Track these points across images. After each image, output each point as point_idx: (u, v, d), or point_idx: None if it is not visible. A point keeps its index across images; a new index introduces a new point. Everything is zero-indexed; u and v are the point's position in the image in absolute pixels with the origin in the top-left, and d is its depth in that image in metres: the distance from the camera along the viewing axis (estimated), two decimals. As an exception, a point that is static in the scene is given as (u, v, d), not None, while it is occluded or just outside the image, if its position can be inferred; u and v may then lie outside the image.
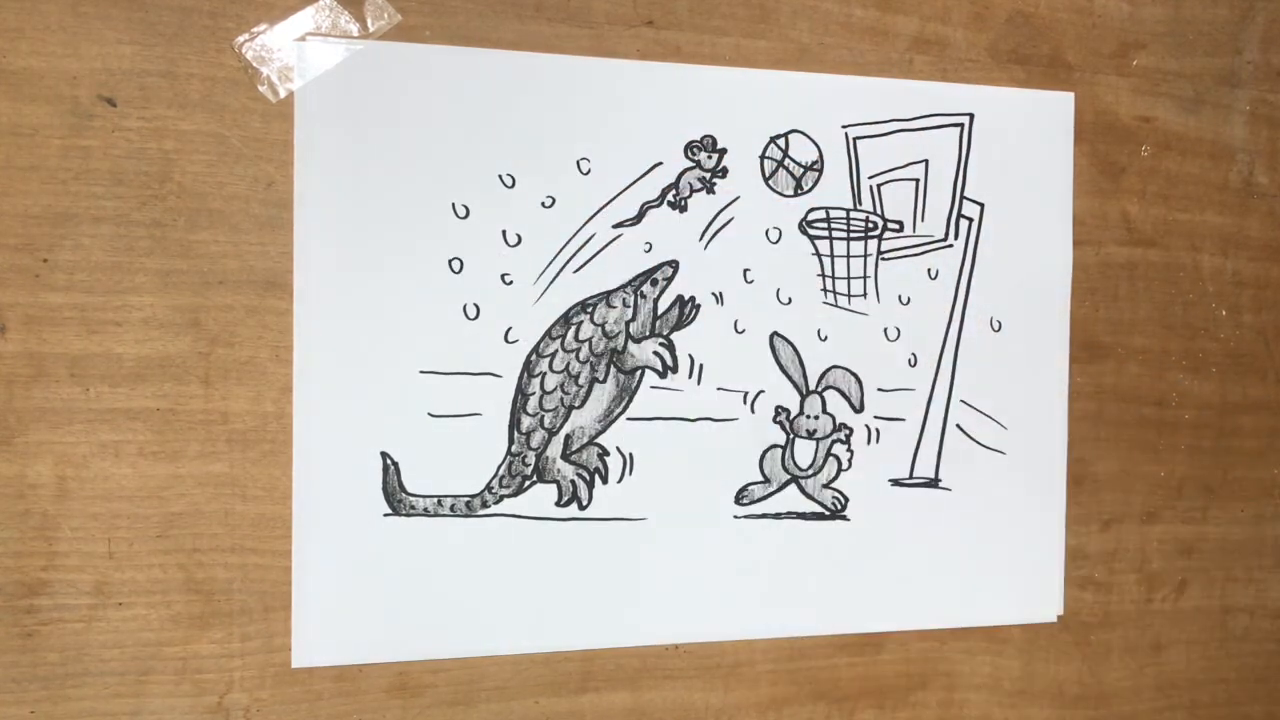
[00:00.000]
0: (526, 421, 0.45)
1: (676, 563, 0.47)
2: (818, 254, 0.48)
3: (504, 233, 0.45)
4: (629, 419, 0.46)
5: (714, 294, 0.47)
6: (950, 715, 0.50)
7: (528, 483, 0.45)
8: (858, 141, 0.48)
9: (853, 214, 0.48)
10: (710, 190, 0.47)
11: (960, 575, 0.50)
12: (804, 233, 0.48)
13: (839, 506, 0.48)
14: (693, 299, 0.47)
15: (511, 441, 0.45)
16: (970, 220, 0.50)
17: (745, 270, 0.47)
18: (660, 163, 0.46)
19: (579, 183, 0.45)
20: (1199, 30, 0.53)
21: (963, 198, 0.49)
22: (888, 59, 0.48)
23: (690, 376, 0.47)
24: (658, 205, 0.46)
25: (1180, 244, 0.52)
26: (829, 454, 0.48)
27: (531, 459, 0.45)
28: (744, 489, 0.47)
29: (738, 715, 0.48)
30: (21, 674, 0.41)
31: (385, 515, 0.44)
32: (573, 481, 0.46)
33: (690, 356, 0.47)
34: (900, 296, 0.49)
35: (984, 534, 0.50)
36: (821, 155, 0.48)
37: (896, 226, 0.49)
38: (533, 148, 0.45)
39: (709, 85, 0.46)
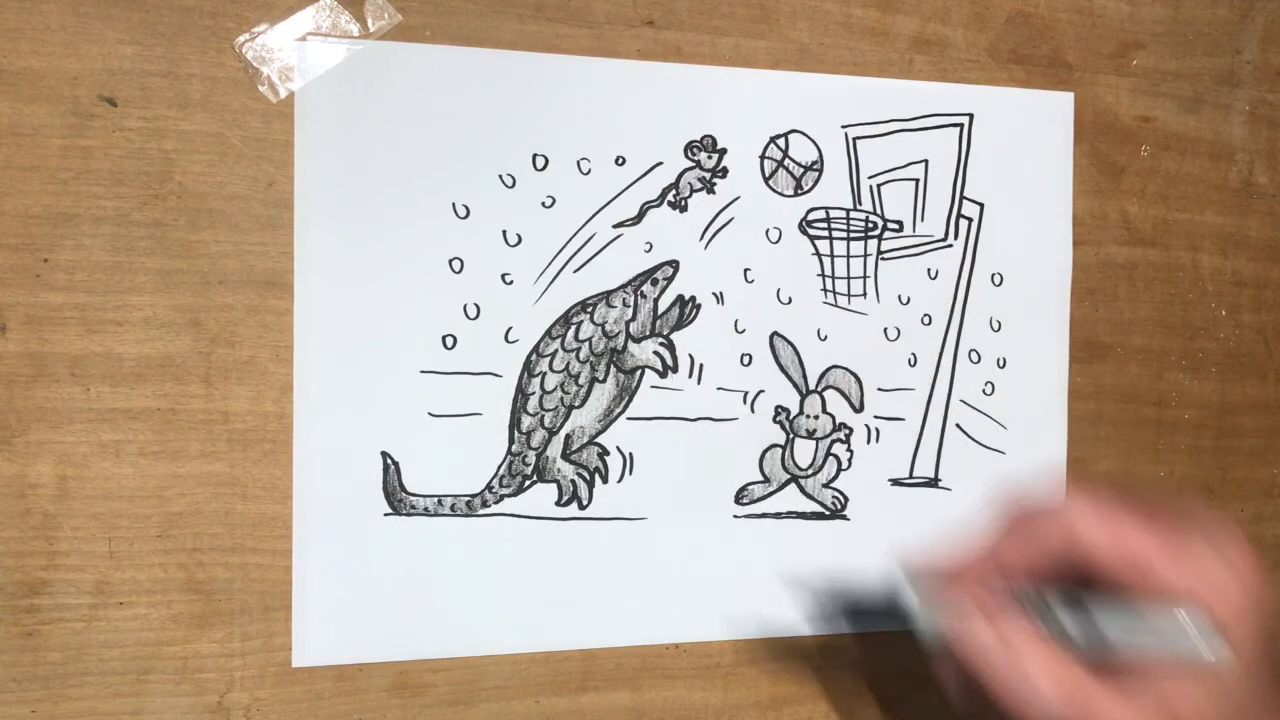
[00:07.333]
0: (527, 421, 0.45)
1: (676, 563, 0.47)
2: (818, 254, 0.48)
3: (504, 233, 0.45)
4: (629, 419, 0.46)
5: (714, 294, 0.47)
6: (950, 714, 0.50)
7: (528, 482, 0.45)
8: (857, 141, 0.48)
9: (853, 214, 0.48)
10: (710, 190, 0.47)
11: (960, 575, 0.50)
12: (804, 233, 0.48)
13: (839, 506, 0.48)
14: (693, 299, 0.47)
15: (512, 441, 0.45)
16: (970, 220, 0.50)
17: (745, 270, 0.47)
18: (660, 163, 0.46)
19: (579, 183, 0.45)
20: (1198, 30, 0.53)
21: (962, 198, 0.50)
22: (887, 59, 0.48)
23: (690, 376, 0.47)
24: (658, 205, 0.46)
25: (1179, 244, 0.52)
26: (829, 454, 0.48)
27: (532, 459, 0.45)
28: (744, 489, 0.48)
29: (738, 715, 0.48)
30: (22, 673, 0.41)
31: (385, 515, 0.44)
32: (573, 481, 0.46)
33: (690, 356, 0.47)
34: (900, 296, 0.49)
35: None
36: (821, 155, 0.48)
37: (896, 226, 0.49)
38: (533, 148, 0.45)
39: (709, 85, 0.46)
